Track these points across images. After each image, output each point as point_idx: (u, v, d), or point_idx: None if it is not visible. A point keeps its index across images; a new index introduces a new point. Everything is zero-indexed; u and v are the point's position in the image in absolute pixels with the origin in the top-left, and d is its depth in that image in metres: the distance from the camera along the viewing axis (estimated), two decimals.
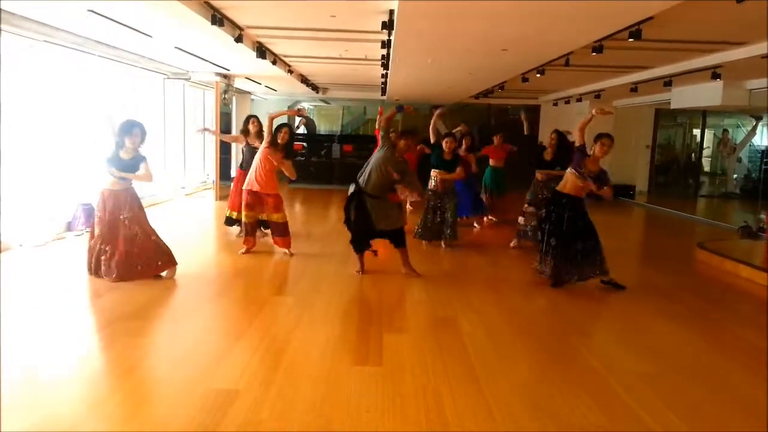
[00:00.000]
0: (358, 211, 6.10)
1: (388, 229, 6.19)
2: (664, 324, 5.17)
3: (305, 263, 6.84)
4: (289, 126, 7.12)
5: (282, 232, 7.12)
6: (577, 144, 5.93)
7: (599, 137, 5.81)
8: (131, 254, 5.68)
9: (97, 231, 5.74)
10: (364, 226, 6.15)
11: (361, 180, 6.11)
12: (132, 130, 5.57)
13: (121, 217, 5.67)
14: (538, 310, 5.62)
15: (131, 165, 5.61)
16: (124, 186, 5.71)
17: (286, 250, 7.15)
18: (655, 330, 5.03)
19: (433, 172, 7.91)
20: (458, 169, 7.75)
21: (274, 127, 6.96)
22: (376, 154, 6.09)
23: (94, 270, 5.74)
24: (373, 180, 6.03)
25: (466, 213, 9.39)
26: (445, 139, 7.84)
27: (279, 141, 6.87)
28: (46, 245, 7.21)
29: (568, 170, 5.95)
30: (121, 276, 5.60)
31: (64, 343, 4.20)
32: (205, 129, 10.29)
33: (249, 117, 8.24)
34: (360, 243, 6.34)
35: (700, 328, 5.06)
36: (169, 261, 5.88)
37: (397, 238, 6.28)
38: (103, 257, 5.68)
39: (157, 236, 5.90)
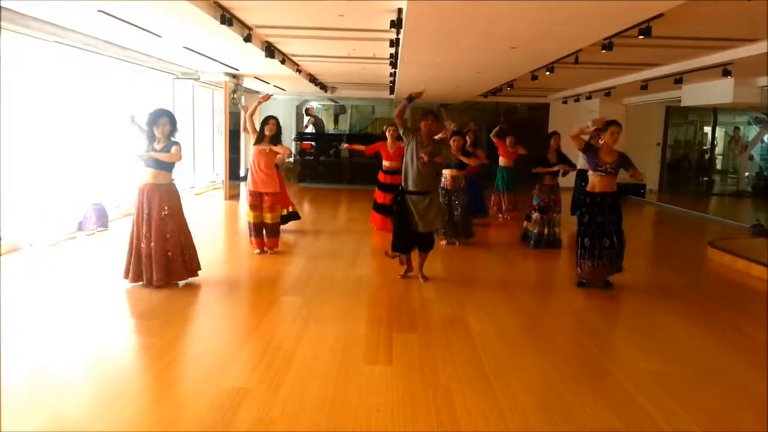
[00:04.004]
0: (402, 213, 5.89)
1: (426, 230, 5.93)
2: (675, 323, 5.13)
3: (314, 263, 6.84)
4: (275, 118, 7.15)
5: (272, 232, 7.19)
6: (578, 148, 5.89)
7: (607, 125, 5.75)
8: (166, 255, 5.48)
9: (134, 230, 5.50)
10: (408, 229, 5.90)
11: (403, 182, 5.91)
12: (159, 119, 5.46)
13: (163, 213, 5.46)
14: (548, 309, 5.59)
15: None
16: (165, 180, 5.53)
17: (269, 250, 7.19)
18: (666, 329, 5.00)
19: (444, 171, 7.91)
20: (473, 159, 7.98)
21: (261, 119, 7.08)
22: (407, 151, 5.88)
23: (133, 275, 5.47)
24: (412, 176, 5.83)
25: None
26: (453, 138, 7.84)
27: (267, 133, 6.96)
28: (57, 245, 7.25)
29: (590, 173, 5.90)
30: (160, 280, 5.42)
31: (74, 343, 4.23)
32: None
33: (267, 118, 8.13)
34: (405, 246, 6.06)
35: (711, 327, 5.03)
36: (191, 270, 5.67)
37: (428, 242, 6.10)
38: (144, 260, 5.44)
39: (191, 239, 5.70)
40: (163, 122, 5.47)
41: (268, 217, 7.12)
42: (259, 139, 7.01)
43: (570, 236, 7.90)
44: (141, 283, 5.50)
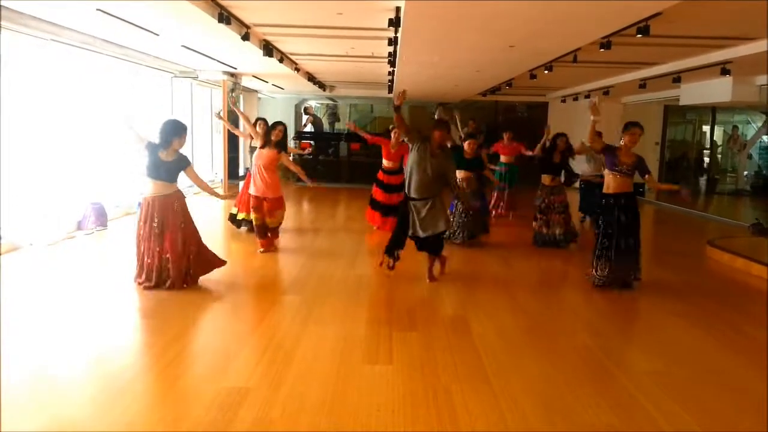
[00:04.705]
0: (404, 219, 5.86)
1: (431, 233, 5.79)
2: (676, 322, 5.13)
3: (314, 263, 6.83)
4: (282, 124, 7.14)
5: (273, 233, 7.29)
6: (598, 150, 5.96)
7: (627, 127, 5.82)
8: (185, 260, 5.47)
9: (143, 245, 5.41)
10: (406, 235, 5.88)
11: (406, 189, 5.84)
12: (182, 132, 5.38)
13: (180, 224, 5.41)
14: (548, 309, 5.59)
15: (174, 167, 5.40)
16: (172, 190, 5.45)
17: (262, 249, 7.16)
18: (666, 329, 5.00)
19: (457, 173, 7.90)
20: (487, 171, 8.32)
21: (270, 124, 7.19)
22: (412, 155, 5.81)
23: (148, 281, 5.42)
24: (415, 182, 5.73)
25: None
26: (468, 141, 7.99)
27: (273, 138, 6.96)
28: (56, 244, 7.24)
29: (606, 172, 5.92)
30: (183, 284, 5.44)
31: (75, 342, 4.22)
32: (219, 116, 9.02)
33: (257, 120, 8.29)
34: (394, 249, 6.01)
35: (711, 328, 5.03)
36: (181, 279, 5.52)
37: (436, 245, 6.00)
38: (156, 271, 5.39)
39: (198, 247, 5.64)
40: (184, 135, 5.42)
41: (269, 222, 7.16)
42: (266, 143, 7.01)
43: (583, 239, 7.93)
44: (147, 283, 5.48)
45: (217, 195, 6.20)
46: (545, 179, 7.99)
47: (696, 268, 7.39)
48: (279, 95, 18.23)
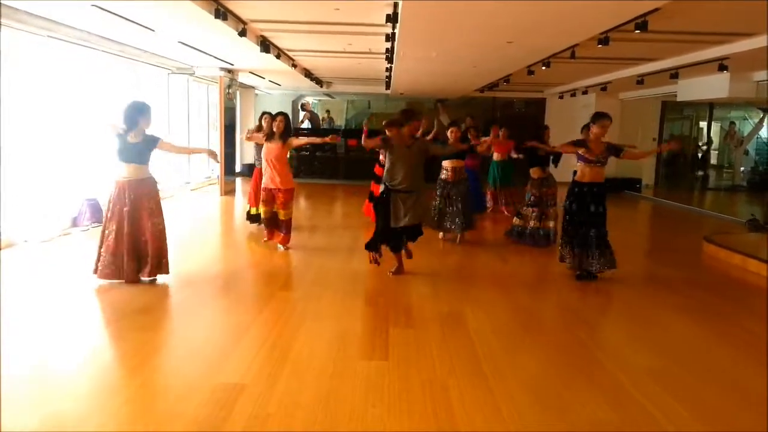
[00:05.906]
0: (387, 212, 5.91)
1: (411, 224, 5.95)
2: (673, 318, 5.14)
3: (310, 258, 6.83)
4: (283, 114, 7.11)
5: (287, 229, 7.13)
6: (572, 152, 6.08)
7: (597, 118, 5.88)
8: (152, 249, 5.44)
9: (111, 227, 5.35)
10: (390, 228, 5.94)
11: (390, 182, 5.92)
12: (146, 111, 5.37)
13: (152, 207, 5.43)
14: (545, 305, 5.59)
15: (143, 148, 5.37)
16: (145, 174, 5.45)
17: (281, 246, 7.13)
18: (663, 324, 5.00)
19: (445, 163, 7.86)
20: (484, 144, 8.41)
21: (270, 116, 7.25)
22: (391, 156, 5.92)
23: (104, 272, 5.37)
24: (400, 175, 5.85)
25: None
26: (450, 129, 7.79)
27: (275, 130, 6.93)
28: (51, 241, 7.22)
29: (579, 163, 5.98)
30: (131, 278, 5.36)
31: (70, 339, 4.20)
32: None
33: (262, 114, 8.26)
34: (383, 244, 6.11)
35: (708, 322, 5.03)
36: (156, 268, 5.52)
37: (416, 232, 6.15)
38: (125, 257, 5.33)
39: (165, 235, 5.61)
40: (150, 115, 5.40)
41: (281, 214, 7.03)
42: (270, 136, 6.98)
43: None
44: (119, 280, 5.42)
45: (202, 151, 6.17)
46: (534, 172, 7.86)
47: (692, 264, 7.39)
48: (276, 91, 18.19)
